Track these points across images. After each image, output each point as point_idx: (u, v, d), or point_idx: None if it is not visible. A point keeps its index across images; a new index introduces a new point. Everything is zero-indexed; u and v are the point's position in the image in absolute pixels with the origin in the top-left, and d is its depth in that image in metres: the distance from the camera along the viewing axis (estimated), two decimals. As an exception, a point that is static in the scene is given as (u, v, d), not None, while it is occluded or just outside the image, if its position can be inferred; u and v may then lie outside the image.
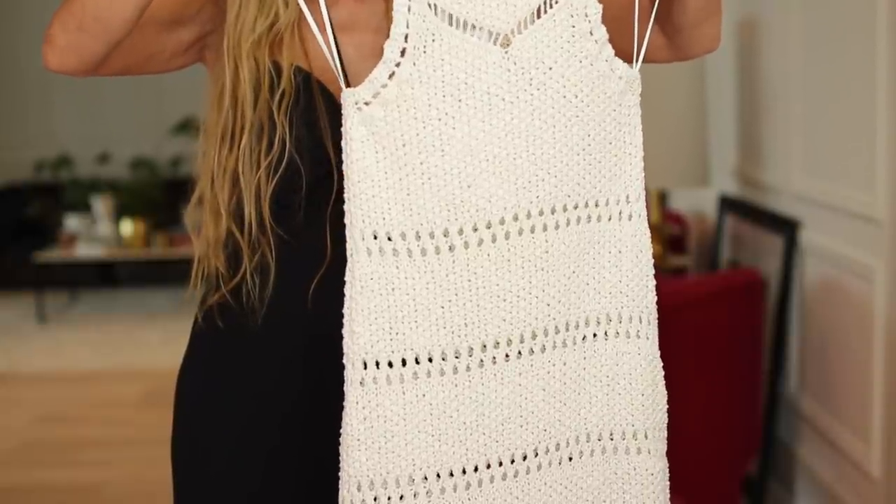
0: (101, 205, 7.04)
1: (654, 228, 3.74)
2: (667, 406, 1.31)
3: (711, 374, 2.96)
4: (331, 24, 1.38)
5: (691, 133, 3.57)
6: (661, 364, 1.30)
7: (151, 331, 6.40)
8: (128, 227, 6.91)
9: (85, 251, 6.89)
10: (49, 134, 8.06)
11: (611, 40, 1.29)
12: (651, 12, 1.31)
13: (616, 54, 1.33)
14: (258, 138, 1.33)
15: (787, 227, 3.11)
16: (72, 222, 7.00)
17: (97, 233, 6.99)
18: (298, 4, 1.19)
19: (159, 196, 7.23)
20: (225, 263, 1.39)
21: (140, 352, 5.92)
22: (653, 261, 1.28)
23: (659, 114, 3.49)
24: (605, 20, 1.23)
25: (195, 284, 1.42)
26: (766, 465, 3.13)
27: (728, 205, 3.78)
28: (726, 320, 3.02)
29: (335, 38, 1.31)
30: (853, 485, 2.72)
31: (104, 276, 7.74)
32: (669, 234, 3.83)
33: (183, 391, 1.46)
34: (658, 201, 3.75)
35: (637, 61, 1.25)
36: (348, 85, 1.15)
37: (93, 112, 8.08)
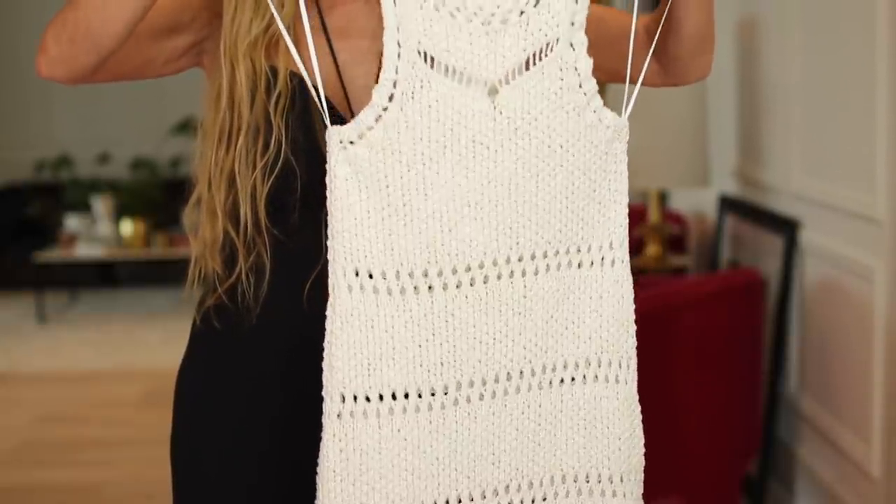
0: (101, 205, 7.04)
1: (654, 228, 3.74)
2: (643, 450, 1.32)
3: (711, 374, 2.96)
4: (325, 29, 1.38)
5: (691, 133, 3.57)
6: (640, 408, 1.31)
7: (151, 331, 6.41)
8: (128, 227, 6.91)
9: (85, 251, 6.89)
10: (49, 134, 8.06)
11: (605, 62, 1.29)
12: (644, 52, 1.32)
13: (608, 75, 1.34)
14: (254, 140, 1.34)
15: (787, 227, 3.11)
16: (72, 222, 7.00)
17: (97, 233, 6.99)
18: (294, 7, 1.19)
19: (159, 196, 7.23)
20: (221, 264, 1.39)
21: (140, 352, 5.92)
22: (633, 306, 1.29)
23: (659, 114, 3.49)
24: (602, 41, 1.23)
25: (192, 285, 1.43)
26: (766, 465, 3.13)
27: (728, 205, 3.78)
28: (726, 320, 3.02)
29: (330, 43, 1.31)
30: (853, 485, 2.71)
31: (104, 276, 7.74)
32: (669, 234, 3.82)
33: (182, 391, 1.47)
34: (658, 201, 3.75)
35: (627, 109, 1.26)
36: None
37: (93, 112, 8.08)
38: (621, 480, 1.30)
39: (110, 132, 8.05)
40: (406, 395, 1.19)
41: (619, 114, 1.26)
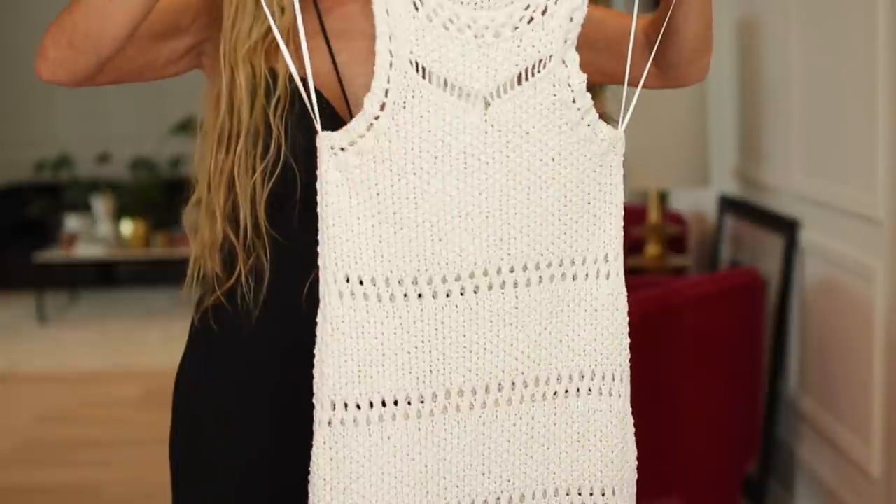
0: (101, 205, 7.04)
1: (654, 228, 3.74)
2: (636, 463, 1.32)
3: (711, 374, 2.96)
4: (324, 31, 1.38)
5: (691, 133, 3.57)
6: (632, 421, 1.31)
7: (151, 331, 6.41)
8: (128, 227, 6.91)
9: (85, 251, 6.89)
10: (49, 134, 8.06)
11: (604, 64, 1.29)
12: (642, 55, 1.32)
13: (606, 77, 1.33)
14: (254, 143, 1.34)
15: (787, 227, 3.11)
16: (72, 222, 7.00)
17: (97, 233, 6.99)
18: (293, 11, 1.20)
19: (159, 196, 7.22)
20: (220, 266, 1.39)
21: (140, 352, 5.92)
22: (627, 319, 1.29)
23: (659, 114, 3.49)
24: (601, 44, 1.23)
25: (190, 284, 1.43)
26: (766, 465, 3.13)
27: (728, 205, 3.77)
28: (726, 320, 3.02)
29: (329, 44, 1.31)
30: (853, 485, 2.71)
31: (104, 276, 7.74)
32: (669, 234, 3.83)
33: (180, 392, 1.47)
34: (658, 201, 3.75)
35: (624, 121, 1.26)
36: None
37: (93, 112, 8.09)
38: (613, 494, 1.30)
39: (110, 132, 8.05)
40: (395, 403, 1.19)
41: (618, 120, 1.26)
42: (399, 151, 1.16)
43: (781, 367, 3.13)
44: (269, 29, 1.33)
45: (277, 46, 1.33)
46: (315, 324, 1.19)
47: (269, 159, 1.33)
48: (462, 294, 1.20)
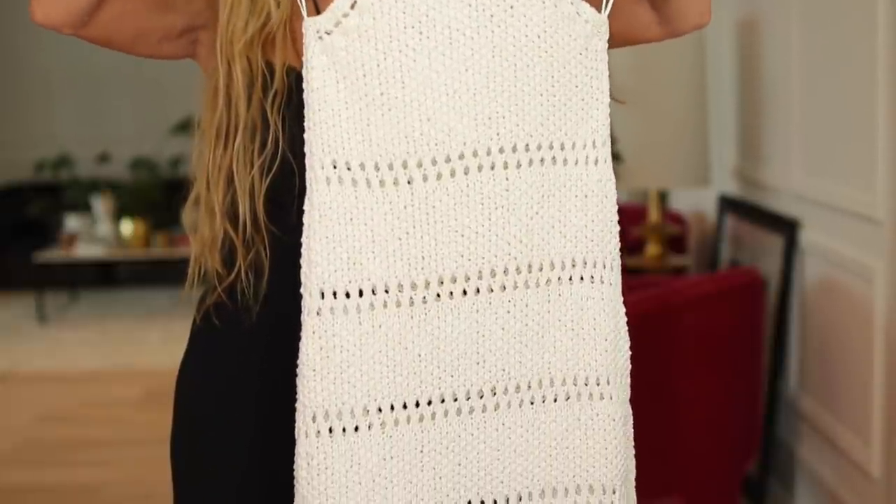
0: (101, 205, 7.04)
1: (654, 228, 3.74)
2: (629, 353, 1.31)
3: (711, 374, 2.96)
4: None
5: (691, 133, 3.57)
6: (624, 310, 1.30)
7: (151, 331, 6.41)
8: (128, 227, 6.90)
9: (85, 251, 6.89)
10: (49, 134, 8.05)
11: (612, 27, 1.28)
12: (642, 9, 1.31)
13: (616, 40, 1.32)
14: (252, 138, 1.34)
15: (786, 227, 3.11)
16: (72, 222, 7.00)
17: (97, 233, 6.99)
18: (289, 4, 1.20)
19: (159, 196, 7.22)
20: (221, 262, 1.39)
21: (140, 352, 5.92)
22: (617, 207, 1.29)
23: (659, 114, 3.49)
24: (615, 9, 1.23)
25: (191, 284, 1.42)
26: (766, 465, 3.13)
27: (728, 205, 3.77)
28: (726, 320, 3.02)
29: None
30: (853, 485, 2.71)
31: (104, 276, 7.74)
32: (669, 234, 3.82)
33: (182, 389, 1.47)
34: (658, 201, 3.75)
35: (606, 6, 1.25)
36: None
37: (93, 112, 8.08)
38: (608, 383, 1.28)
39: (110, 132, 8.05)
40: (386, 290, 1.18)
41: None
42: (384, 28, 1.15)
43: (781, 367, 3.13)
44: (265, 23, 1.33)
45: (274, 39, 1.33)
46: None
47: (266, 154, 1.33)
48: (452, 176, 1.19)
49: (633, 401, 1.32)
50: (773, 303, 3.15)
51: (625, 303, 1.31)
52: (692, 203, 4.34)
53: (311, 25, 1.15)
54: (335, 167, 1.16)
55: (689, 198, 4.39)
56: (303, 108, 1.33)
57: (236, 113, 1.34)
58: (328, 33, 1.15)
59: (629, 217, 3.91)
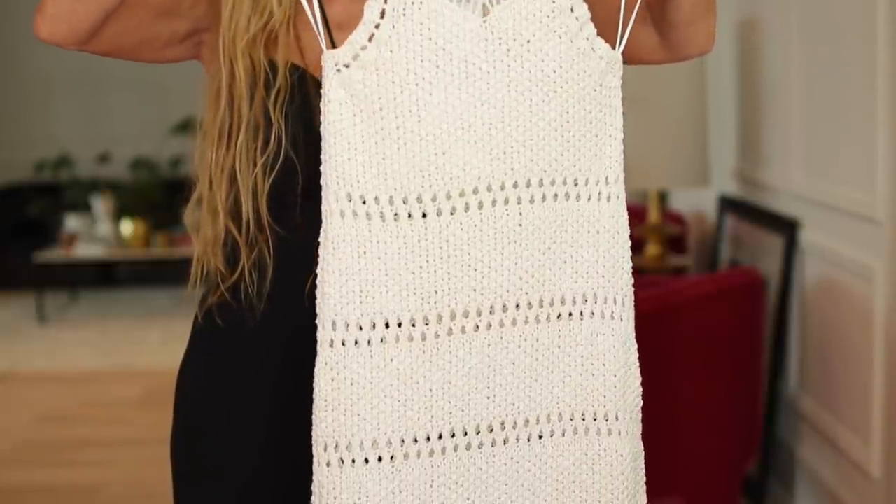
0: (101, 205, 7.04)
1: (654, 228, 3.74)
2: (640, 389, 1.31)
3: (711, 374, 2.96)
4: (326, 22, 1.38)
5: (691, 133, 3.57)
6: (636, 346, 1.31)
7: (151, 331, 6.41)
8: (128, 227, 6.91)
9: (85, 251, 6.89)
10: (49, 134, 8.05)
11: (611, 39, 1.28)
12: (644, 27, 1.31)
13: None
14: (254, 136, 1.34)
15: (786, 227, 3.11)
16: (72, 222, 7.00)
17: (97, 233, 6.99)
18: (292, 2, 1.20)
19: (159, 196, 7.22)
20: (224, 262, 1.39)
21: (140, 352, 5.92)
22: (629, 243, 1.29)
23: (659, 114, 3.49)
24: (595, 22, 1.23)
25: (194, 284, 1.42)
26: (766, 465, 3.13)
27: (728, 205, 3.78)
28: (726, 320, 3.02)
29: (331, 36, 1.31)
30: (853, 485, 2.71)
31: (104, 276, 7.74)
32: (669, 234, 3.82)
33: (183, 388, 1.46)
34: (658, 201, 3.75)
35: (620, 44, 1.26)
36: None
37: (93, 112, 8.08)
38: (616, 419, 1.29)
39: (110, 132, 8.05)
40: (399, 324, 1.18)
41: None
42: (401, 62, 1.16)
43: (781, 367, 3.13)
44: (268, 21, 1.33)
45: (276, 38, 1.33)
46: None
47: (269, 152, 1.33)
48: (466, 210, 1.19)
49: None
50: (773, 303, 3.15)
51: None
52: (692, 203, 4.35)
53: (329, 59, 1.16)
54: (350, 200, 1.16)
55: (688, 198, 4.39)
56: (305, 105, 1.33)
57: (239, 111, 1.34)
58: (346, 66, 1.15)
59: (629, 217, 3.90)
